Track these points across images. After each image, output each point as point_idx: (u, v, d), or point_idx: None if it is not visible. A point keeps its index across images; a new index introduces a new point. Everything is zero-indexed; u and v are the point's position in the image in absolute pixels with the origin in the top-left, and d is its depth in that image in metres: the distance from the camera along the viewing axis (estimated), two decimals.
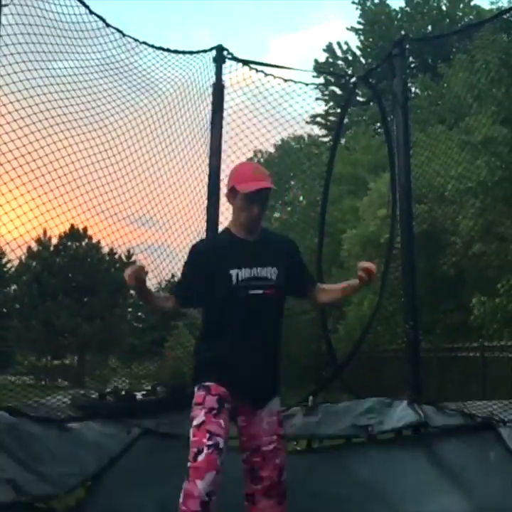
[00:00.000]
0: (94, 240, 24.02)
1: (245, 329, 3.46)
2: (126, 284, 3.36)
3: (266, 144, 7.70)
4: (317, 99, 26.48)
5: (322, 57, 31.19)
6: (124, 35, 6.02)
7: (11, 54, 4.98)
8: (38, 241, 25.26)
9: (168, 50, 6.48)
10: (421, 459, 4.56)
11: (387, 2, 30.08)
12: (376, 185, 16.50)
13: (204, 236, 6.33)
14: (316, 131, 27.62)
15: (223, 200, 7.19)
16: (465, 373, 11.74)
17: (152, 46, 6.40)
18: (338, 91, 29.03)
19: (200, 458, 3.22)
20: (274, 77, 6.84)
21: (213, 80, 6.72)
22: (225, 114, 6.70)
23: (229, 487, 2.88)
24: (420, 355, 6.63)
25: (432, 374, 9.70)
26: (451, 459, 4.41)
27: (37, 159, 5.30)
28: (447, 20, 28.47)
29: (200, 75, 6.74)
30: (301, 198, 20.82)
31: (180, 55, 6.53)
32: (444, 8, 29.80)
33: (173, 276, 7.37)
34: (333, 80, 28.32)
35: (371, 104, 25.36)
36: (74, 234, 25.80)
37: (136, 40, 6.16)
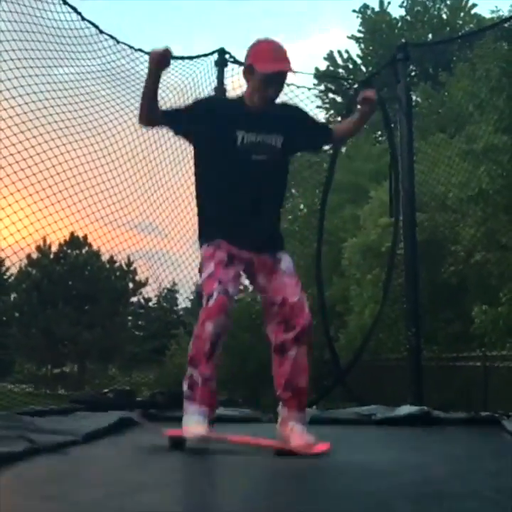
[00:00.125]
0: (95, 248, 24.00)
1: (247, 193, 3.50)
2: (151, 62, 3.41)
3: None
4: (318, 107, 26.45)
5: (323, 65, 31.22)
6: (118, 42, 6.00)
7: (5, 60, 4.96)
8: (38, 249, 25.23)
9: None
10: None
11: (388, 10, 30.11)
12: (377, 193, 16.44)
13: None
14: None
15: None
16: (466, 382, 11.67)
17: (148, 53, 6.37)
18: (338, 99, 29.01)
19: (211, 302, 3.36)
20: None
21: (215, 83, 6.70)
22: None
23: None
24: (422, 363, 6.59)
25: (434, 383, 9.63)
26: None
27: (33, 166, 5.28)
28: (448, 28, 28.46)
29: (201, 78, 6.73)
30: (301, 206, 20.78)
31: (180, 61, 6.51)
32: (444, 16, 29.81)
33: (174, 283, 7.33)
34: (333, 87, 28.38)
35: None
36: (74, 241, 25.77)
37: (131, 47, 6.14)
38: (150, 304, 31.12)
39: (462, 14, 29.42)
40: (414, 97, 21.54)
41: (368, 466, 3.08)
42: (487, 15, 23.82)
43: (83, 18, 5.74)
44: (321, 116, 28.16)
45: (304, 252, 14.53)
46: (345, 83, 27.18)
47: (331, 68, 30.86)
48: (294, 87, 7.31)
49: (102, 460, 3.20)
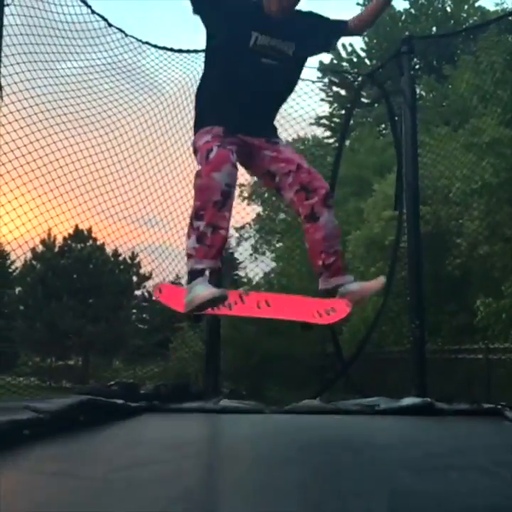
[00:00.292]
0: (99, 241, 24.05)
1: (249, 92, 3.53)
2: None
3: None
4: (322, 100, 26.41)
5: (327, 58, 31.19)
6: (126, 35, 6.02)
7: (13, 54, 4.98)
8: (43, 242, 25.27)
9: (171, 49, 6.47)
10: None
11: (392, 3, 30.05)
12: (381, 186, 16.45)
13: None
14: (321, 132, 27.60)
15: None
16: (470, 375, 11.70)
17: (155, 46, 6.39)
18: (342, 92, 28.98)
19: (212, 155, 3.30)
20: None
21: None
22: None
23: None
24: (426, 356, 6.61)
25: (437, 375, 9.66)
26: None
27: (37, 159, 5.30)
28: (452, 21, 28.39)
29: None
30: None
31: (185, 54, 6.51)
32: (448, 9, 29.74)
33: (177, 276, 7.36)
34: (337, 80, 28.34)
35: (376, 105, 25.42)
36: (78, 235, 25.80)
37: (138, 40, 6.16)
38: (154, 297, 31.20)
39: (466, 7, 29.34)
40: (418, 90, 21.51)
41: (371, 442, 3.12)
42: (491, 7, 23.86)
43: (93, 12, 5.76)
44: (325, 109, 28.18)
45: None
46: (350, 76, 27.16)
47: (335, 61, 30.81)
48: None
49: (105, 440, 3.24)
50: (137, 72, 6.27)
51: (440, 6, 29.92)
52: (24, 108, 5.11)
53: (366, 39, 30.77)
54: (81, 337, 26.01)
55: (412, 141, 6.53)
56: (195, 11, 3.63)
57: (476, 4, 28.92)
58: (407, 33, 19.40)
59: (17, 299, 28.08)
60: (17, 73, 4.96)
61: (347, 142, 19.94)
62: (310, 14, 3.79)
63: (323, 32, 3.78)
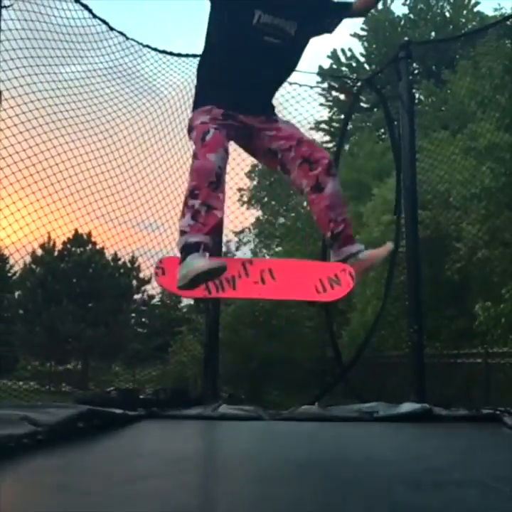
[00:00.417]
0: (98, 245, 24.02)
1: (249, 70, 3.54)
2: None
3: None
4: (321, 105, 26.45)
5: (326, 63, 31.25)
6: (127, 38, 6.03)
7: (12, 59, 4.98)
8: (42, 246, 25.26)
9: (171, 53, 6.48)
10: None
11: (391, 8, 30.10)
12: (380, 191, 16.48)
13: None
14: (320, 136, 27.63)
15: (228, 203, 7.21)
16: (469, 379, 11.69)
17: (155, 49, 6.40)
18: (342, 97, 29.00)
19: (208, 137, 3.33)
20: None
21: None
22: None
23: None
24: (424, 360, 6.61)
25: (436, 380, 9.66)
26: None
27: (37, 163, 5.30)
28: (451, 26, 28.45)
29: None
30: (304, 204, 20.78)
31: (184, 59, 6.52)
32: (447, 14, 29.79)
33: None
34: (337, 85, 28.36)
35: (375, 110, 25.44)
36: (78, 239, 25.80)
37: (139, 43, 6.17)
38: (153, 301, 31.19)
39: (465, 12, 29.40)
40: (417, 95, 21.59)
41: (370, 456, 3.11)
42: (490, 13, 23.87)
43: (94, 16, 5.78)
44: (324, 113, 28.21)
45: (308, 250, 14.56)
46: (349, 81, 27.20)
47: (335, 66, 30.87)
48: (296, 85, 7.32)
49: (105, 451, 3.23)
50: (137, 75, 6.29)
51: (439, 11, 29.98)
52: (23, 113, 5.12)
53: (365, 44, 30.84)
54: (80, 341, 25.99)
55: (410, 145, 6.54)
56: None
57: (475, 9, 28.99)
58: (406, 38, 19.44)
59: (16, 303, 28.05)
60: (16, 78, 4.97)
61: (346, 147, 19.98)
62: None
63: (326, 13, 3.81)
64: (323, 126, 29.24)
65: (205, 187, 3.29)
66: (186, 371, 11.20)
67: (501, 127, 11.90)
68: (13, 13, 4.77)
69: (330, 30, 3.95)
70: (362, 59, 31.06)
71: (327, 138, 28.66)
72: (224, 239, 7.93)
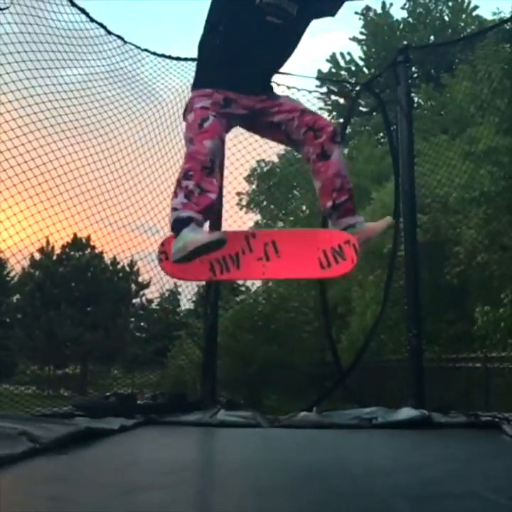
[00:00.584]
0: (97, 249, 24.00)
1: (250, 49, 3.55)
2: None
3: (269, 152, 7.71)
4: (320, 109, 26.46)
5: (325, 67, 31.27)
6: (125, 42, 6.02)
7: (9, 63, 4.97)
8: (41, 250, 25.23)
9: (169, 57, 6.47)
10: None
11: (390, 12, 30.14)
12: (379, 195, 16.48)
13: None
14: None
15: (226, 207, 7.21)
16: (468, 383, 11.67)
17: (154, 53, 6.39)
18: (341, 100, 29.03)
19: (207, 124, 3.35)
20: (278, 85, 6.85)
21: None
22: None
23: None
24: (423, 364, 6.59)
25: (436, 384, 9.64)
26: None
27: (34, 168, 5.28)
28: (449, 30, 28.47)
29: None
30: (303, 208, 20.79)
31: (182, 62, 6.51)
32: (446, 18, 29.82)
33: (175, 285, 7.33)
34: (336, 89, 28.38)
35: (374, 114, 25.45)
36: (77, 243, 25.78)
37: (137, 47, 6.16)
38: (152, 305, 31.19)
39: (464, 16, 29.43)
40: (416, 99, 21.60)
41: (369, 466, 3.09)
42: (489, 17, 23.89)
43: (92, 20, 5.76)
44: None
45: None
46: (348, 85, 27.21)
47: (334, 70, 30.88)
48: (294, 89, 7.32)
49: (102, 461, 3.21)
50: (136, 79, 6.27)
51: (438, 15, 30.02)
52: (20, 117, 5.10)
53: (364, 48, 30.86)
54: (79, 345, 25.95)
55: (409, 150, 6.54)
56: None
57: (474, 13, 29.02)
58: (404, 42, 19.45)
59: (15, 307, 28.02)
60: (13, 82, 4.95)
61: (345, 150, 19.95)
62: None
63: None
64: None
65: (199, 170, 3.29)
66: (185, 375, 11.16)
67: (500, 131, 11.89)
68: (9, 17, 4.76)
69: (332, 13, 3.96)
70: (361, 63, 31.07)
71: None
72: None
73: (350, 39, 31.33)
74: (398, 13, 31.49)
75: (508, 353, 11.12)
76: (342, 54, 31.11)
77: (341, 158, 3.59)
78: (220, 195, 6.71)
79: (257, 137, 7.26)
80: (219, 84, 3.52)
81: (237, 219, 7.77)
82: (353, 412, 5.56)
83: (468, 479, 2.69)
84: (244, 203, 26.18)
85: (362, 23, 30.55)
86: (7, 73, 4.86)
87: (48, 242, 21.25)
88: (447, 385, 11.00)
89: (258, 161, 23.14)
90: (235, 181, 7.69)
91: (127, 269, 26.97)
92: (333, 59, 31.24)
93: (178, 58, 6.58)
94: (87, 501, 2.17)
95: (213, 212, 3.52)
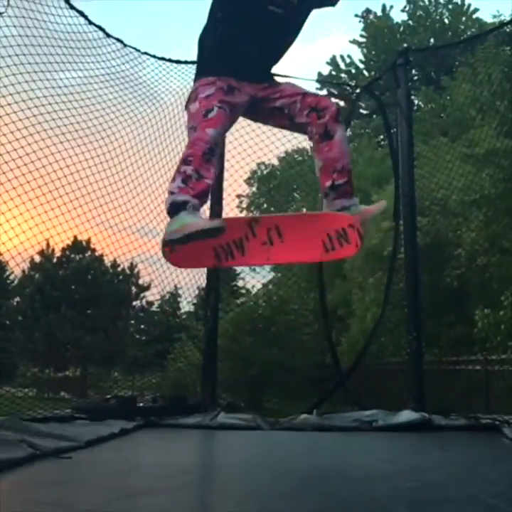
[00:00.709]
0: (97, 252, 24.00)
1: (252, 38, 3.57)
2: None
3: (269, 155, 7.71)
4: None
5: (325, 70, 31.28)
6: (125, 45, 6.02)
7: (8, 66, 4.97)
8: (41, 253, 25.24)
9: (169, 60, 6.47)
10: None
11: (390, 15, 30.16)
12: (379, 197, 16.46)
13: None
14: None
15: (226, 210, 7.20)
16: (468, 386, 11.66)
17: (153, 56, 6.39)
18: (341, 103, 29.03)
19: (212, 114, 3.40)
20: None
21: None
22: None
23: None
24: (423, 367, 6.59)
25: (436, 387, 9.63)
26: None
27: (34, 171, 5.28)
28: (449, 33, 28.48)
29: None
30: (304, 210, 20.74)
31: (183, 65, 6.51)
32: (446, 21, 29.83)
33: (175, 287, 7.33)
34: (336, 92, 28.39)
35: (374, 116, 25.46)
36: (77, 246, 25.78)
37: (137, 50, 6.16)
38: (152, 307, 31.18)
39: (464, 19, 29.44)
40: (416, 101, 21.60)
41: (369, 470, 3.08)
42: (489, 19, 23.88)
43: (90, 22, 5.77)
44: None
45: None
46: (348, 88, 27.21)
47: (334, 73, 30.89)
48: None
49: (102, 465, 3.20)
50: (136, 82, 6.28)
51: (438, 17, 30.02)
52: (20, 120, 5.10)
53: (364, 50, 30.87)
54: (79, 348, 25.94)
55: (408, 152, 6.54)
56: None
57: (474, 16, 29.03)
58: (404, 45, 19.48)
59: (15, 310, 28.02)
60: (13, 84, 4.95)
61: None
62: None
63: None
64: None
65: (199, 156, 3.31)
66: (185, 378, 11.15)
67: (500, 134, 11.89)
68: (8, 20, 4.77)
69: (333, 3, 3.98)
70: (361, 65, 31.08)
71: None
72: None
73: (350, 42, 31.41)
74: (398, 16, 31.50)
75: (508, 355, 11.11)
76: (342, 57, 31.14)
77: (344, 138, 3.62)
78: (220, 197, 6.71)
79: (257, 140, 7.28)
80: (222, 72, 3.55)
81: None
82: (353, 415, 5.55)
83: (468, 483, 2.69)
84: (244, 205, 26.20)
85: (362, 25, 30.59)
86: (6, 76, 4.87)
87: (48, 244, 21.27)
88: (447, 388, 10.99)
89: (258, 164, 23.18)
90: (235, 184, 7.69)
91: (127, 271, 26.97)
92: (333, 62, 31.26)
93: (178, 61, 6.58)
94: (87, 506, 2.17)
95: (208, 198, 3.51)
